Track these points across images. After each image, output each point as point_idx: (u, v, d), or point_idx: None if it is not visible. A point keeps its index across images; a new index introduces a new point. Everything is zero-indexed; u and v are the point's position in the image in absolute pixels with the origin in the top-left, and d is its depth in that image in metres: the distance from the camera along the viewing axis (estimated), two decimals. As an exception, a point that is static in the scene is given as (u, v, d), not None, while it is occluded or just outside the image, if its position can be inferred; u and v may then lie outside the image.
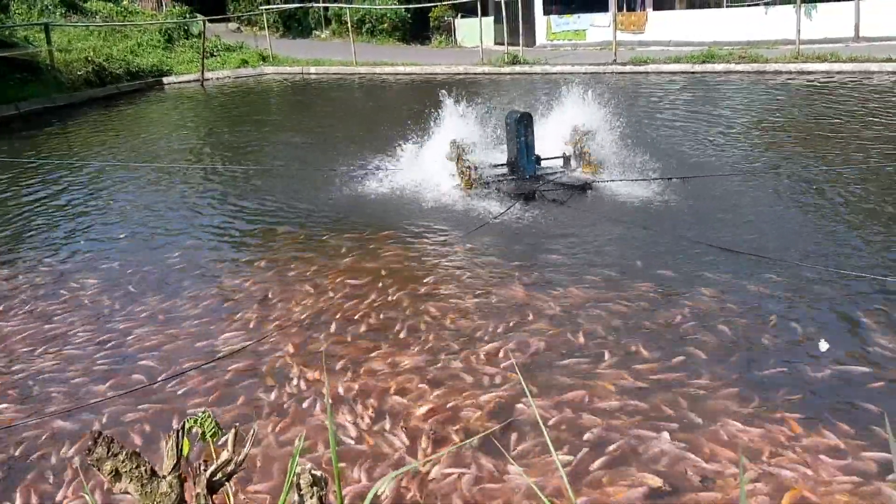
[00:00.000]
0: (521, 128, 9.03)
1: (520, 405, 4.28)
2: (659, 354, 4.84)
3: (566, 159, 9.48)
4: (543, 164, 9.39)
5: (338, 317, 5.66)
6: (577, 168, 9.37)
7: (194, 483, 1.34)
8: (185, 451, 1.39)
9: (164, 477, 1.32)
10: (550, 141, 9.50)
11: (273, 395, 4.57)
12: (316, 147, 12.59)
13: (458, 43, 27.67)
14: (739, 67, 17.56)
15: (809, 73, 16.76)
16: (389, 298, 5.96)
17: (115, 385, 4.80)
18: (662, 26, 23.81)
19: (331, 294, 6.11)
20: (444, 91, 10.31)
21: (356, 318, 5.63)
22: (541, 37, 26.23)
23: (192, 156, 12.53)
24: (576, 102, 10.31)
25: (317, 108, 17.52)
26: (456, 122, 9.71)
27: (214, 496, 1.34)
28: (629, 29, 24.03)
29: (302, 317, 5.69)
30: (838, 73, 16.46)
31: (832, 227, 7.33)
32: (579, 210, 8.23)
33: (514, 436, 4.01)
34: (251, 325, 5.61)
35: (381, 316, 5.64)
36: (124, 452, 1.32)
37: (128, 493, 1.30)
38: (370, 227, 7.97)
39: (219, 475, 1.36)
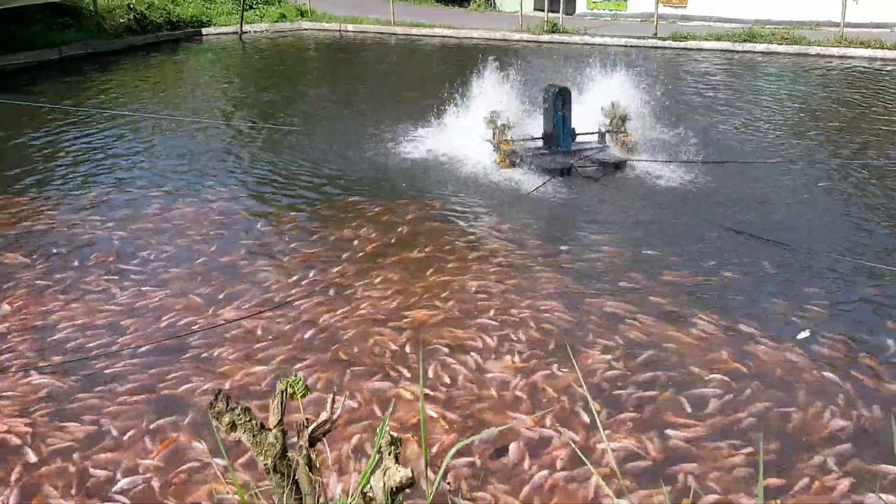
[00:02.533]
0: (559, 102, 9.13)
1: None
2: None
3: (601, 135, 9.57)
4: (579, 139, 9.49)
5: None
6: (613, 145, 9.47)
7: (298, 436, 1.58)
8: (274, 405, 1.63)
9: (271, 430, 1.56)
10: (584, 116, 9.58)
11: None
12: (351, 110, 12.72)
13: (497, 7, 27.41)
14: (781, 49, 17.33)
15: (851, 57, 16.52)
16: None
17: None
18: (706, 1, 23.41)
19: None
20: (481, 59, 10.44)
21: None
22: (581, 5, 25.88)
23: (231, 111, 12.76)
24: (612, 77, 10.40)
25: (352, 68, 17.60)
26: (492, 92, 9.86)
27: (312, 449, 1.58)
28: (671, 2, 23.65)
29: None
30: (881, 59, 16.22)
31: (848, 218, 7.48)
32: (611, 188, 8.38)
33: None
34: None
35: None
36: (239, 407, 1.56)
37: (241, 441, 1.54)
38: (401, 194, 8.22)
39: (318, 432, 1.60)
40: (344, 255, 6.61)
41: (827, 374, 4.73)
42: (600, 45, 19.12)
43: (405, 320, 5.45)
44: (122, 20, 19.94)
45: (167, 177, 9.09)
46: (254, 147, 10.48)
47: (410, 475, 1.50)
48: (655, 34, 19.31)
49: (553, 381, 4.68)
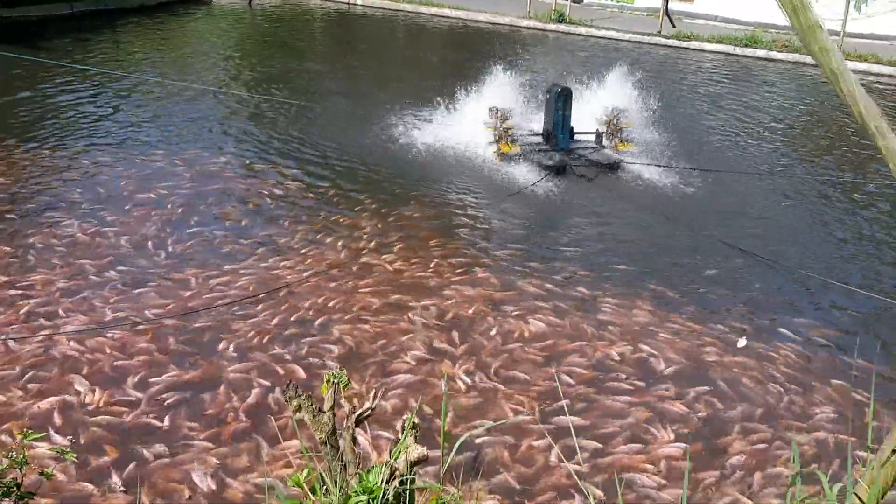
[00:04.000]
0: (560, 102, 9.53)
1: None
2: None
3: (599, 136, 9.99)
4: (577, 138, 9.91)
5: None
6: (609, 146, 9.89)
7: (346, 418, 2.04)
8: (325, 392, 2.09)
9: (325, 412, 2.02)
10: (582, 115, 9.98)
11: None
12: (351, 91, 13.05)
13: (506, -11, 27.52)
14: (780, 56, 17.73)
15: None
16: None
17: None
18: (712, 1, 23.68)
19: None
20: (486, 48, 10.82)
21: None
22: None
23: (231, 79, 13.08)
24: (612, 75, 10.87)
25: (356, 44, 17.89)
26: (493, 85, 10.30)
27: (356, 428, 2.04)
28: (678, -1, 23.88)
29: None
30: (876, 74, 16.65)
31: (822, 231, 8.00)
32: (604, 189, 8.84)
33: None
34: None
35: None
36: (305, 395, 2.03)
37: (303, 420, 2.01)
38: (400, 183, 8.65)
39: (362, 416, 2.07)
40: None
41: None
42: (605, 38, 19.45)
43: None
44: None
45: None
46: (261, 118, 10.86)
47: (425, 453, 1.96)
48: (660, 31, 19.63)
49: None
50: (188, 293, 5.95)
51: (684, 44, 18.84)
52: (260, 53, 16.19)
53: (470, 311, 5.91)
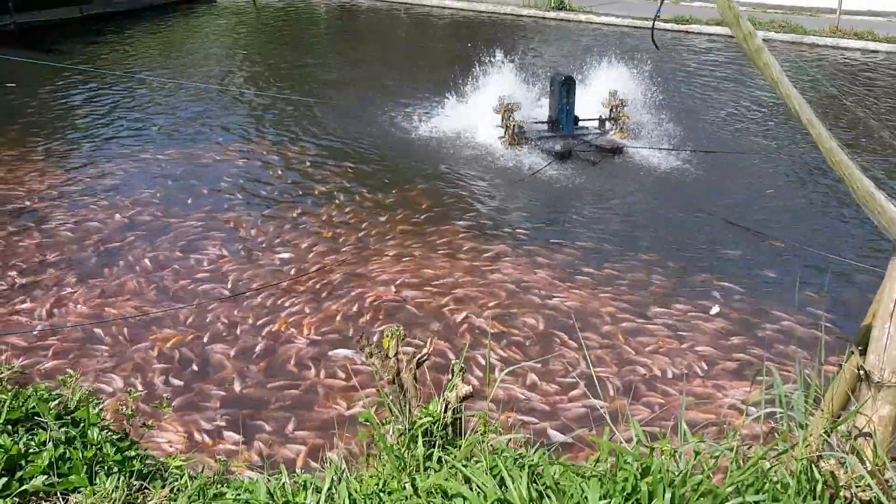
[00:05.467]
0: (564, 90, 9.91)
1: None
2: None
3: (602, 122, 10.36)
4: (581, 124, 10.28)
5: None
6: (612, 131, 10.26)
7: (407, 362, 2.46)
8: (387, 346, 2.52)
9: (391, 357, 2.45)
10: (585, 101, 10.34)
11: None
12: (359, 84, 13.41)
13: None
14: (778, 37, 17.99)
15: (844, 48, 17.22)
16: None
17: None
18: (709, -18, 23.90)
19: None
20: (489, 37, 11.19)
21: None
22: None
23: (246, 82, 13.48)
24: (613, 62, 11.25)
25: (361, 39, 18.24)
26: (498, 75, 10.69)
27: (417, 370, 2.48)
28: (676, -19, 24.12)
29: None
30: (873, 51, 16.92)
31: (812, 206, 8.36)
32: (607, 172, 9.24)
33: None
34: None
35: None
36: (374, 344, 2.46)
37: (374, 364, 2.44)
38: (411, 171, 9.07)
39: (421, 360, 2.51)
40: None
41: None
42: (605, 24, 19.76)
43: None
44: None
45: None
46: (266, 112, 11.29)
47: (471, 389, 2.38)
48: (657, 16, 19.91)
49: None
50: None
51: (683, 27, 19.13)
52: (269, 52, 16.58)
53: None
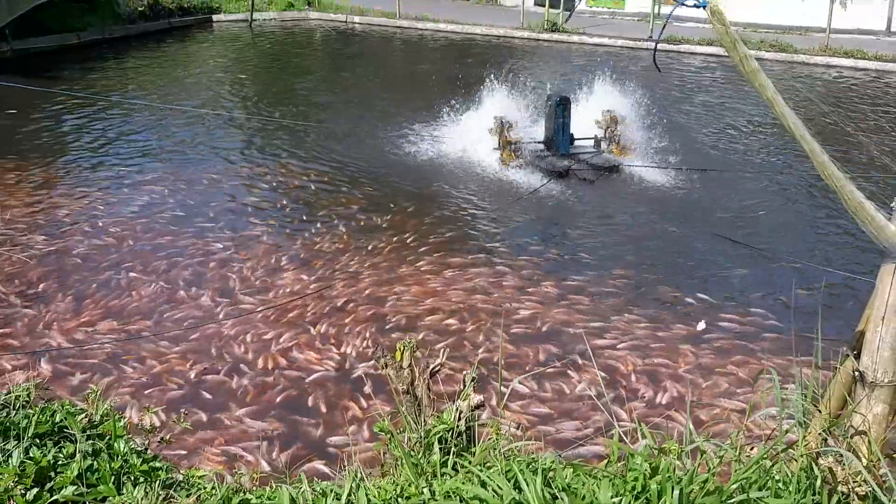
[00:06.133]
0: (559, 110, 10.09)
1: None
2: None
3: (597, 141, 10.53)
4: (576, 143, 10.44)
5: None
6: (607, 150, 10.42)
7: (420, 373, 2.56)
8: (400, 358, 2.61)
9: (405, 368, 2.54)
10: (580, 121, 10.51)
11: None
12: (356, 106, 13.60)
13: (498, 1, 28.21)
14: (769, 56, 18.28)
15: (834, 66, 17.51)
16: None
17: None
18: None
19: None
20: (484, 60, 11.39)
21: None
22: (581, 1, 26.73)
23: (240, 106, 13.65)
24: (607, 83, 11.46)
25: (357, 62, 18.47)
26: (493, 96, 10.88)
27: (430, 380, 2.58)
28: (669, 2, 24.54)
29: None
30: (862, 70, 17.21)
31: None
32: (605, 191, 9.39)
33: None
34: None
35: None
36: (388, 357, 2.56)
37: (390, 375, 2.53)
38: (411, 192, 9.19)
39: (434, 370, 2.60)
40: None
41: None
42: (598, 45, 20.06)
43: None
44: (140, 7, 20.70)
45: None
46: (255, 138, 11.46)
47: (482, 400, 2.48)
48: (650, 36, 20.25)
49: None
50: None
51: (675, 47, 19.43)
52: (265, 76, 16.78)
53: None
